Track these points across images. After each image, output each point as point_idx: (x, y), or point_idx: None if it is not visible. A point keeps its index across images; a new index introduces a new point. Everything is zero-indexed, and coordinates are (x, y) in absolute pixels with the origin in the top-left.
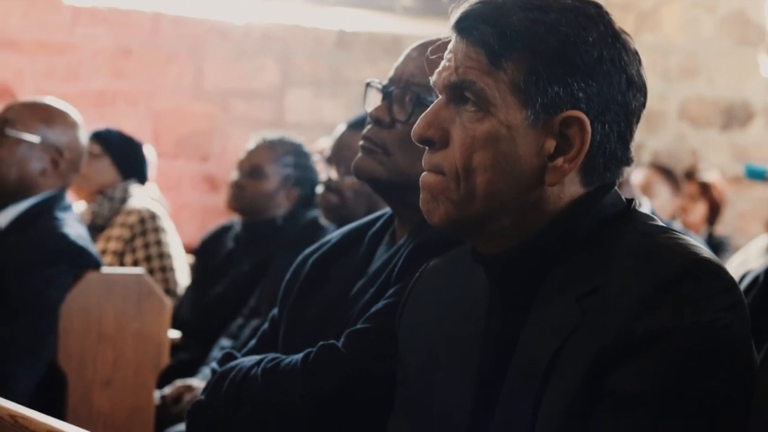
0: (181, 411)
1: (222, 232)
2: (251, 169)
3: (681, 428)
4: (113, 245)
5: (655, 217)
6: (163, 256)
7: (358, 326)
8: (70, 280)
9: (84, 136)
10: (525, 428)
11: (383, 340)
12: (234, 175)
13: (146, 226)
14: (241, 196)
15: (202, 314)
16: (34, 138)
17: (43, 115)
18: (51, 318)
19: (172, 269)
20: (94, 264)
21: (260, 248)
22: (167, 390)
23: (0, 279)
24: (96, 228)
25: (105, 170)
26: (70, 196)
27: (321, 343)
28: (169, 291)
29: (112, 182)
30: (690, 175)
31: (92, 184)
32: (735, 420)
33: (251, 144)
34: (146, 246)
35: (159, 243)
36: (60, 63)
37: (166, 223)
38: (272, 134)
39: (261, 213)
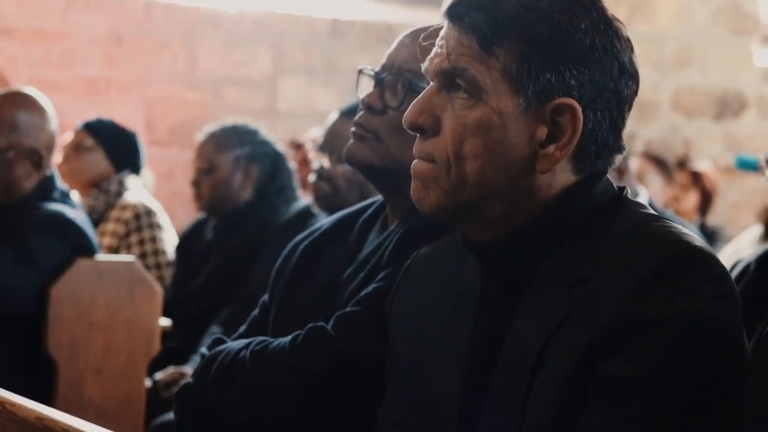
0: (171, 396)
1: (200, 225)
2: (202, 165)
3: (672, 415)
4: (108, 241)
5: (647, 205)
6: (158, 252)
7: (348, 309)
8: (65, 251)
9: (54, 121)
10: (516, 416)
11: (372, 323)
12: (192, 175)
13: (141, 222)
14: (201, 195)
15: (184, 306)
16: (9, 154)
17: (11, 124)
18: (34, 272)
19: (167, 266)
20: (89, 246)
21: (237, 238)
22: (160, 375)
23: None
24: (91, 223)
25: (98, 163)
26: (61, 181)
27: (309, 325)
28: (164, 288)
29: (105, 174)
30: (682, 164)
31: (85, 177)
32: (726, 408)
33: (198, 142)
34: (141, 242)
35: (154, 239)
36: (54, 50)
37: (162, 219)
38: (212, 126)
39: (224, 203)
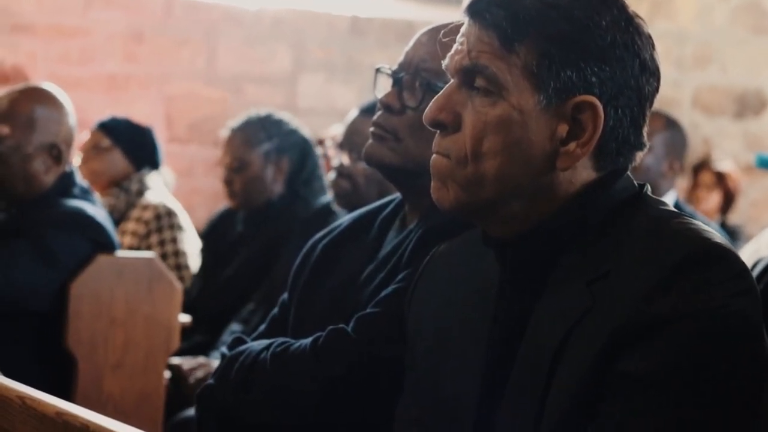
0: (191, 384)
1: (229, 214)
2: (232, 163)
3: (691, 412)
4: (128, 240)
5: (667, 202)
6: (178, 254)
7: (368, 311)
8: (86, 249)
9: (72, 115)
10: (533, 413)
11: (392, 325)
12: (223, 173)
13: (162, 222)
14: (234, 193)
15: (213, 298)
16: (29, 149)
17: (29, 120)
18: (54, 271)
19: (187, 267)
20: (110, 243)
21: (268, 230)
22: (177, 360)
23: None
24: (112, 222)
25: (117, 162)
26: (80, 177)
27: (330, 327)
28: (184, 289)
29: (125, 173)
30: (705, 164)
31: (105, 177)
32: (746, 404)
33: (223, 138)
34: (162, 243)
35: (175, 240)
36: (73, 47)
37: (183, 219)
38: (236, 121)
39: (257, 198)
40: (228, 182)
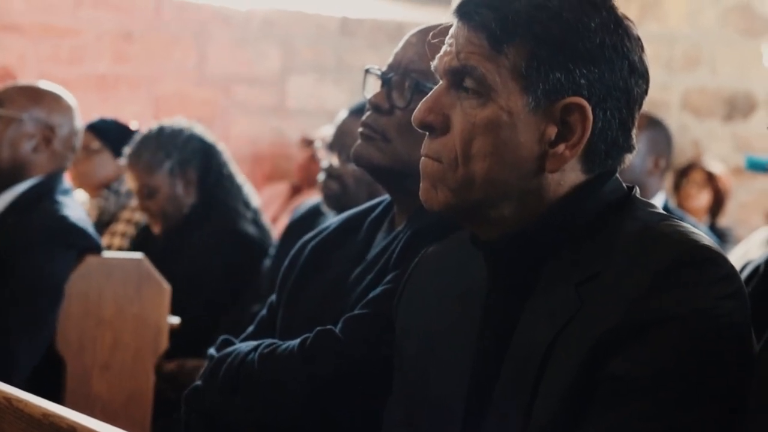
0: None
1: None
2: (141, 191)
3: (678, 415)
4: (118, 242)
5: (656, 205)
6: None
7: (356, 312)
8: (72, 260)
9: (78, 118)
10: (522, 415)
11: (381, 326)
12: (137, 200)
13: None
14: (154, 216)
15: None
16: (24, 116)
17: (34, 95)
18: (54, 296)
19: None
20: (95, 247)
21: (189, 243)
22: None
23: (1, 260)
24: (102, 224)
25: (107, 164)
26: (67, 180)
27: (318, 328)
28: None
29: (114, 175)
30: (695, 164)
31: (95, 179)
32: (732, 408)
33: (124, 167)
34: None
35: None
36: (63, 47)
37: None
38: (130, 147)
39: (176, 216)
40: (145, 208)
